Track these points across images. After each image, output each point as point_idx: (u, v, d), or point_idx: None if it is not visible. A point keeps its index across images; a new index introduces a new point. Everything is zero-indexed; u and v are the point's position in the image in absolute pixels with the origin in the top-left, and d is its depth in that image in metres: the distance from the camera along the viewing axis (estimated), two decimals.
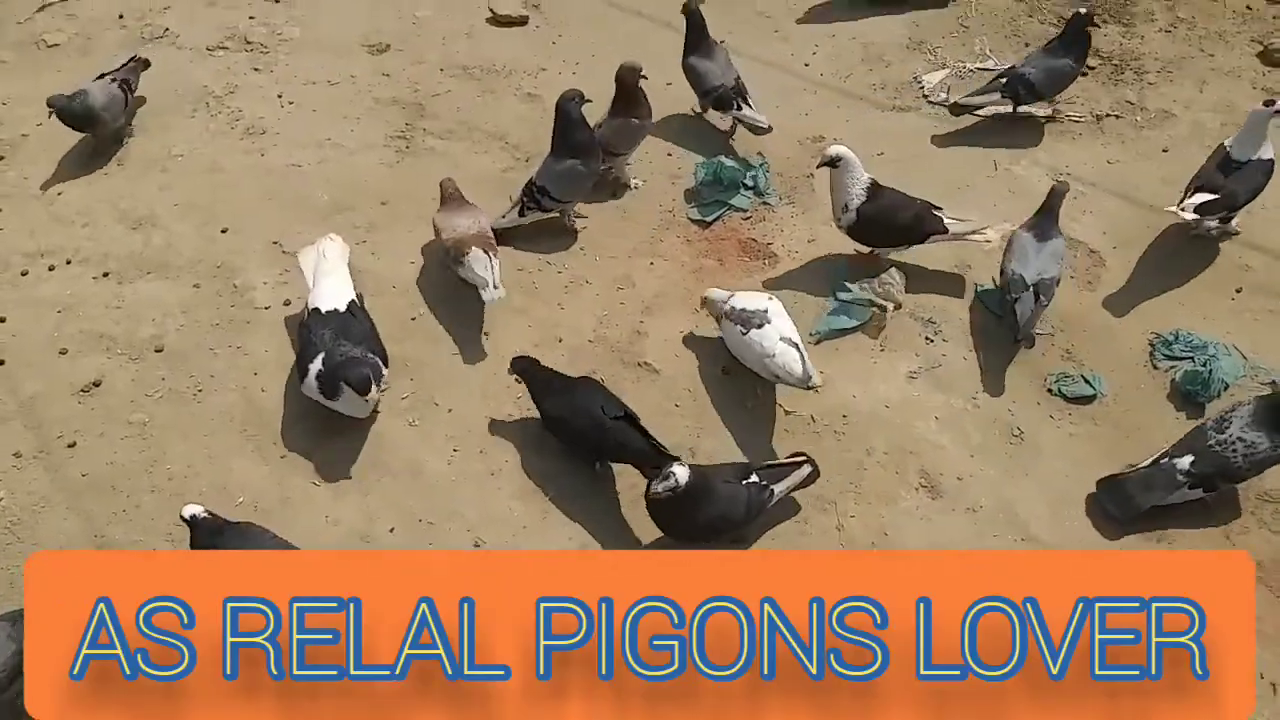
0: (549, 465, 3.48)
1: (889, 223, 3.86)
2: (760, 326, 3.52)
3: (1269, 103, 3.86)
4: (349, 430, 3.53)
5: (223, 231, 4.21)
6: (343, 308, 3.55)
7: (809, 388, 3.48)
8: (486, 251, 3.73)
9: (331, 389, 3.32)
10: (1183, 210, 3.83)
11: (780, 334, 3.50)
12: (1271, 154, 3.91)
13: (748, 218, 4.30)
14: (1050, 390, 3.68)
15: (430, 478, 3.46)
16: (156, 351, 3.76)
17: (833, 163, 3.83)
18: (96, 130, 4.45)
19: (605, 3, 5.43)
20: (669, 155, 4.57)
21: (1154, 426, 3.57)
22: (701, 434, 3.56)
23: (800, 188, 4.41)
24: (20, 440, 3.53)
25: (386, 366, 3.47)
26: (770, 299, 3.65)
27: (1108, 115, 4.74)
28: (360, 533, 3.30)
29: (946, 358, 3.77)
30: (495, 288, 3.68)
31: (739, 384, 3.68)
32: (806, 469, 3.30)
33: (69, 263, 4.13)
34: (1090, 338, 3.83)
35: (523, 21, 5.33)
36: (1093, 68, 5.00)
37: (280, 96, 4.89)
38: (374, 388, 3.29)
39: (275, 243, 4.18)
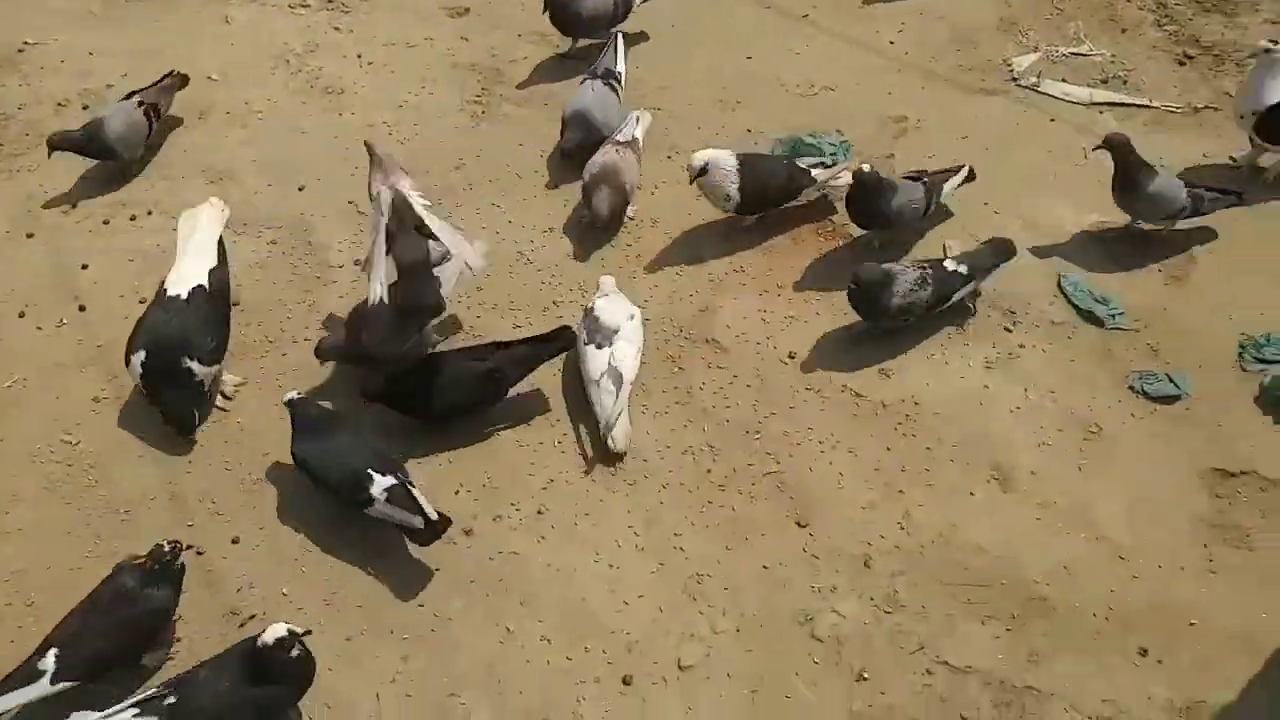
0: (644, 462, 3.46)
1: (766, 188, 3.93)
2: (599, 346, 3.45)
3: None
4: None
5: (300, 189, 4.25)
6: (184, 293, 3.40)
7: (608, 446, 3.35)
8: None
9: (152, 395, 3.35)
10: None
11: (612, 362, 3.40)
12: None
13: (824, 195, 4.21)
14: (1132, 388, 3.56)
15: (496, 446, 3.46)
16: (233, 305, 3.80)
17: (702, 172, 3.86)
18: (114, 161, 4.24)
19: None
20: (747, 130, 4.50)
21: (1239, 430, 3.44)
22: (770, 416, 3.50)
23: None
24: (98, 386, 3.60)
25: (211, 363, 3.39)
26: (632, 317, 3.55)
27: (1206, 107, 4.57)
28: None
29: (1024, 349, 3.67)
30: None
31: (807, 367, 3.62)
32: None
33: (149, 214, 4.20)
34: (1176, 336, 3.70)
35: None
36: (1192, 57, 4.82)
37: (360, 57, 4.91)
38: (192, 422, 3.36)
39: (351, 202, 4.20)
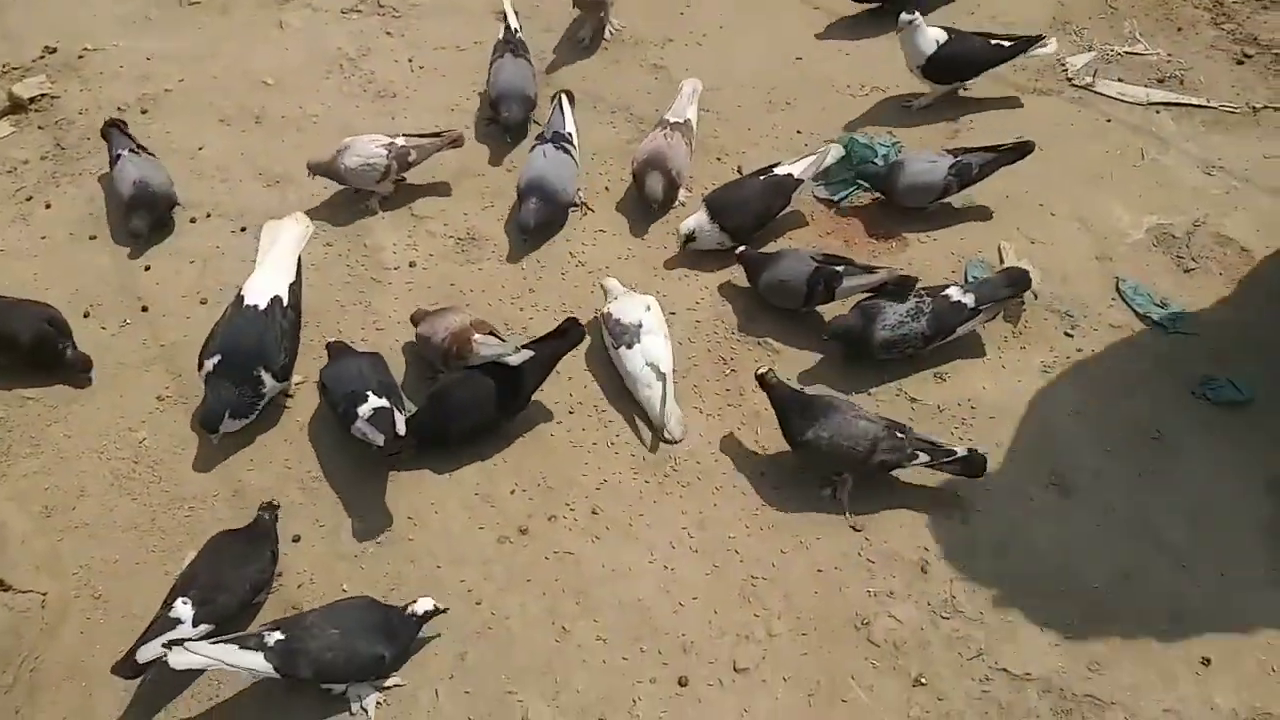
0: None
1: (748, 216, 3.95)
2: (630, 346, 3.47)
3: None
4: None
5: (355, 192, 4.30)
6: (263, 304, 3.44)
7: (665, 439, 3.43)
8: (486, 334, 3.47)
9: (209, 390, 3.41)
10: None
11: (646, 359, 3.45)
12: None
13: (877, 198, 4.19)
14: (1194, 393, 3.50)
15: (550, 447, 3.48)
16: None
17: (689, 239, 3.94)
18: (173, 205, 4.20)
19: None
20: (797, 132, 4.49)
21: None
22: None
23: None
24: (162, 384, 3.67)
25: (283, 379, 3.47)
26: (648, 309, 3.58)
27: (1265, 107, 4.47)
28: (483, 492, 3.35)
29: (1083, 353, 3.62)
30: (517, 351, 3.37)
31: (859, 367, 3.60)
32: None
33: (209, 216, 4.28)
34: (1240, 341, 3.63)
35: None
36: (1250, 56, 4.73)
37: (410, 61, 4.96)
38: (221, 428, 3.37)
39: (406, 206, 4.25)
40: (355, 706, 2.87)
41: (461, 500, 3.34)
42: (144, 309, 3.92)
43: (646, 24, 5.09)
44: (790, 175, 3.97)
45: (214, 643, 2.76)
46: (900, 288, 3.52)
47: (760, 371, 3.32)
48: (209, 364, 3.38)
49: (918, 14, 4.31)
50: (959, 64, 4.40)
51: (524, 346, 3.40)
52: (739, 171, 4.34)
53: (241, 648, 2.75)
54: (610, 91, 4.77)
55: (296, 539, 3.25)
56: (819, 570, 3.11)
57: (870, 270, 3.62)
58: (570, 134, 4.19)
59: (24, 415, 3.60)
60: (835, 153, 4.08)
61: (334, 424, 3.48)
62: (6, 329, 3.60)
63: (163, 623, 2.86)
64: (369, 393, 3.26)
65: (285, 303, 3.48)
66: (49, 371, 3.67)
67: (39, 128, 4.75)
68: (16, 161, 4.58)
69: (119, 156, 4.18)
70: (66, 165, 4.53)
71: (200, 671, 2.90)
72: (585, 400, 3.61)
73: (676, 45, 5.00)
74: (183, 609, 2.87)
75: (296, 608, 3.08)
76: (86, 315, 3.89)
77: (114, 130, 4.35)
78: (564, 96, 4.30)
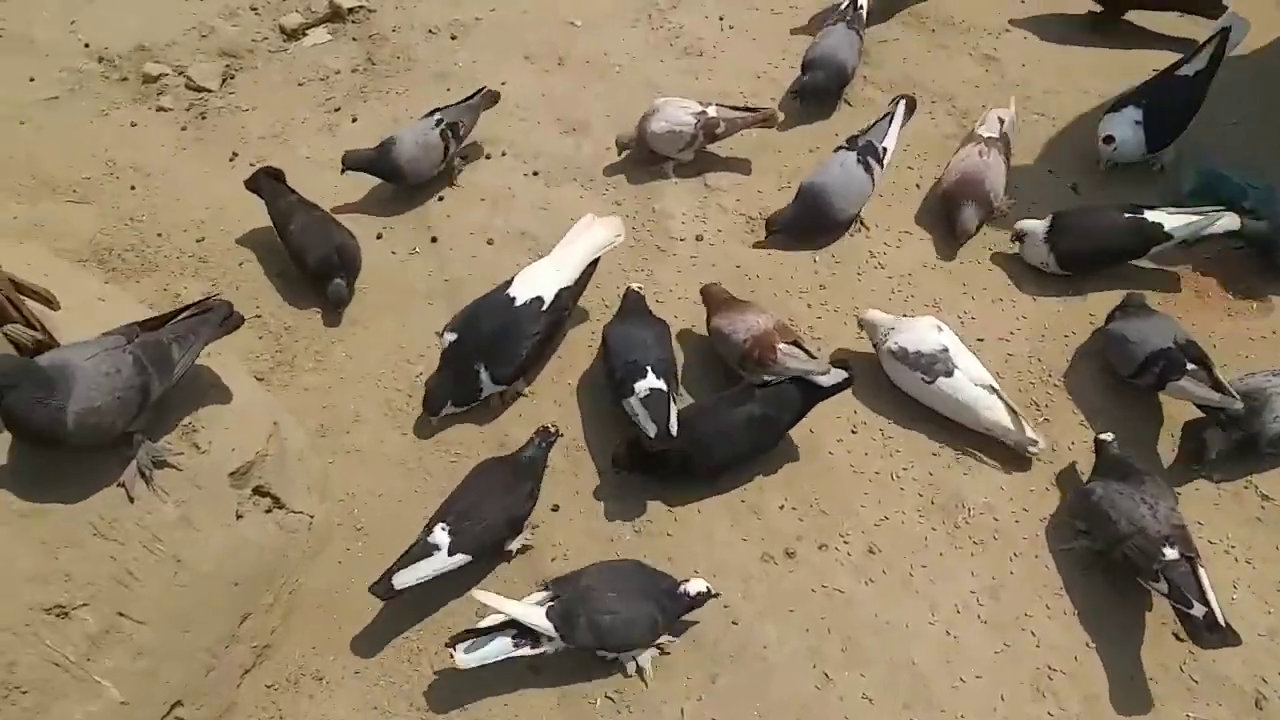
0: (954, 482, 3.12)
1: (1089, 251, 3.52)
2: (949, 374, 3.07)
3: None
4: None
5: (650, 154, 4.11)
6: (521, 299, 3.26)
7: (1031, 452, 3.06)
8: (790, 343, 3.15)
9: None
10: None
11: (973, 379, 3.08)
12: None
13: (1240, 248, 3.60)
14: None
15: (829, 467, 3.20)
16: None
17: (1018, 238, 3.60)
18: (401, 184, 3.97)
19: None
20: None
21: None
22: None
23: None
24: (442, 319, 3.59)
25: (500, 383, 3.29)
26: (940, 329, 3.16)
27: None
28: (750, 502, 3.12)
29: None
30: (827, 372, 3.07)
31: (1204, 452, 3.10)
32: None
33: (504, 154, 4.21)
34: None
35: None
36: None
37: (722, 19, 4.72)
38: (443, 411, 3.30)
39: (700, 175, 4.02)
40: (630, 666, 2.78)
41: (727, 505, 3.12)
42: (433, 240, 3.90)
43: (981, 9, 4.61)
44: (1160, 226, 3.44)
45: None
46: (1233, 422, 2.96)
47: (1103, 436, 2.91)
48: (447, 338, 3.33)
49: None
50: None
51: (836, 365, 3.10)
52: (1075, 189, 3.86)
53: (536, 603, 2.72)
54: (933, 79, 4.36)
55: (555, 508, 3.13)
56: (1130, 678, 2.70)
57: (1220, 388, 2.98)
58: (885, 149, 3.72)
59: (311, 329, 3.65)
60: (1227, 223, 3.46)
61: (605, 393, 3.33)
62: (301, 245, 3.64)
63: (422, 547, 2.84)
64: (649, 369, 3.09)
65: (546, 305, 3.28)
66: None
67: (353, 39, 4.82)
68: (329, 70, 4.66)
69: (434, 111, 3.97)
70: (375, 81, 4.58)
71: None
72: (869, 421, 3.30)
73: (1014, 36, 4.52)
74: (440, 535, 2.84)
75: (546, 586, 2.96)
76: (379, 237, 3.91)
77: (483, 98, 4.09)
78: (904, 104, 3.79)
